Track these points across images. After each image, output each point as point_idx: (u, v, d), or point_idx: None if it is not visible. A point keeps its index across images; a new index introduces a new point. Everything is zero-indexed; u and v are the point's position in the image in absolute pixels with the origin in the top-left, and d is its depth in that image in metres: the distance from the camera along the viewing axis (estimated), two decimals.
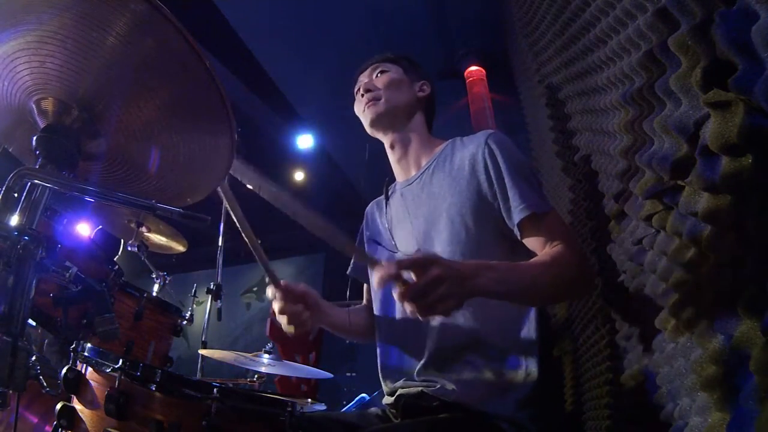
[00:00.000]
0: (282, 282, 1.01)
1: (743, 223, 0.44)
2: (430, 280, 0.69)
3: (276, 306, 1.01)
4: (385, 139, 1.20)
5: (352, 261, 1.31)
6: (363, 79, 1.21)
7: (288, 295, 1.01)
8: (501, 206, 0.97)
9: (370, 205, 1.33)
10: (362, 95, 1.16)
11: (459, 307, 0.72)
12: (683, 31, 0.47)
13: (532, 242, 0.95)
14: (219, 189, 0.82)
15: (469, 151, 1.05)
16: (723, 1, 0.44)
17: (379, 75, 1.19)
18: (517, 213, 0.94)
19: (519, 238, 0.96)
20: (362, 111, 1.17)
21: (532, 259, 0.89)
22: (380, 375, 1.10)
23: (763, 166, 0.40)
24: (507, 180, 0.97)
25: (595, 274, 1.01)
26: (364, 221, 1.32)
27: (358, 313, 1.25)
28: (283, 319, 1.02)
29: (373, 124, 1.15)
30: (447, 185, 1.05)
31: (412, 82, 1.21)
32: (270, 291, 1.01)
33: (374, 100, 1.14)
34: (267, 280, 0.99)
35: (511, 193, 0.96)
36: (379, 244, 1.18)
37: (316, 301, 1.08)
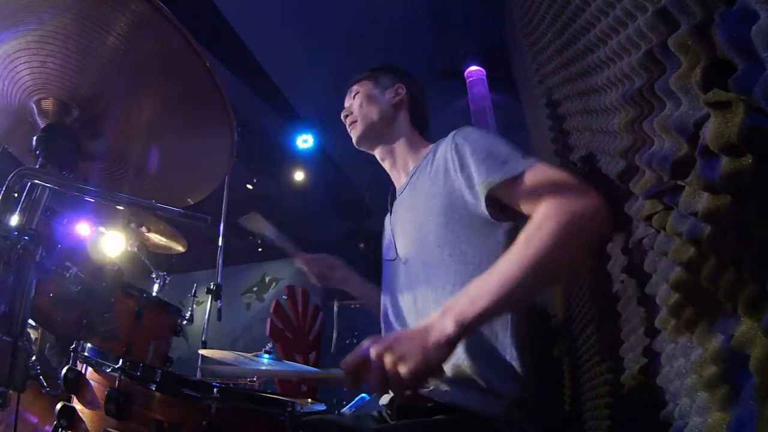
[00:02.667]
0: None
1: (743, 223, 0.44)
2: (374, 361, 0.67)
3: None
4: (375, 154, 1.24)
5: None
6: (345, 104, 1.26)
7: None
8: (476, 194, 0.93)
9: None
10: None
11: (432, 368, 0.68)
12: (683, 31, 0.47)
13: (525, 208, 0.86)
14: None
15: (441, 150, 1.05)
16: (723, 1, 0.44)
17: (354, 97, 1.23)
18: (481, 191, 0.88)
19: (498, 220, 0.91)
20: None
21: (508, 251, 0.77)
22: None
23: (763, 166, 0.40)
24: (470, 165, 0.93)
25: (608, 212, 0.82)
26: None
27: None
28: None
29: (358, 144, 1.22)
30: (428, 188, 1.05)
31: (384, 91, 1.23)
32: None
33: (352, 123, 1.21)
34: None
35: (475, 175, 0.91)
36: (387, 255, 1.19)
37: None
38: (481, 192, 0.89)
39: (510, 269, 0.73)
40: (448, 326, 0.70)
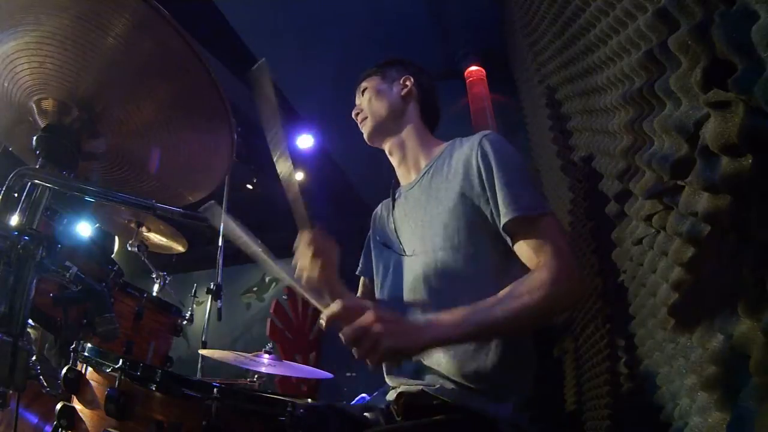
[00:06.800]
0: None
1: (743, 223, 0.44)
2: (357, 327, 0.74)
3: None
4: (384, 148, 1.23)
5: (360, 261, 1.32)
6: (356, 101, 1.26)
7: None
8: (492, 210, 0.96)
9: (378, 207, 1.34)
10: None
11: (401, 357, 0.77)
12: (683, 31, 0.47)
13: (521, 249, 0.92)
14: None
15: (464, 153, 1.04)
16: (723, 1, 0.44)
17: (363, 94, 1.24)
18: (503, 215, 0.92)
19: (510, 244, 0.94)
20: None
21: (502, 291, 0.84)
22: (384, 371, 1.10)
23: (763, 166, 0.40)
24: (497, 182, 0.95)
25: (587, 284, 1.00)
26: (372, 224, 1.32)
27: None
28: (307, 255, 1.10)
29: (370, 140, 1.22)
30: (443, 188, 1.05)
31: (392, 85, 1.23)
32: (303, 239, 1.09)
33: (363, 120, 1.21)
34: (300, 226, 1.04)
35: (500, 196, 0.94)
36: (388, 246, 1.19)
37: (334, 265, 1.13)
38: (504, 217, 0.92)
39: (496, 313, 0.82)
40: (429, 338, 0.79)
